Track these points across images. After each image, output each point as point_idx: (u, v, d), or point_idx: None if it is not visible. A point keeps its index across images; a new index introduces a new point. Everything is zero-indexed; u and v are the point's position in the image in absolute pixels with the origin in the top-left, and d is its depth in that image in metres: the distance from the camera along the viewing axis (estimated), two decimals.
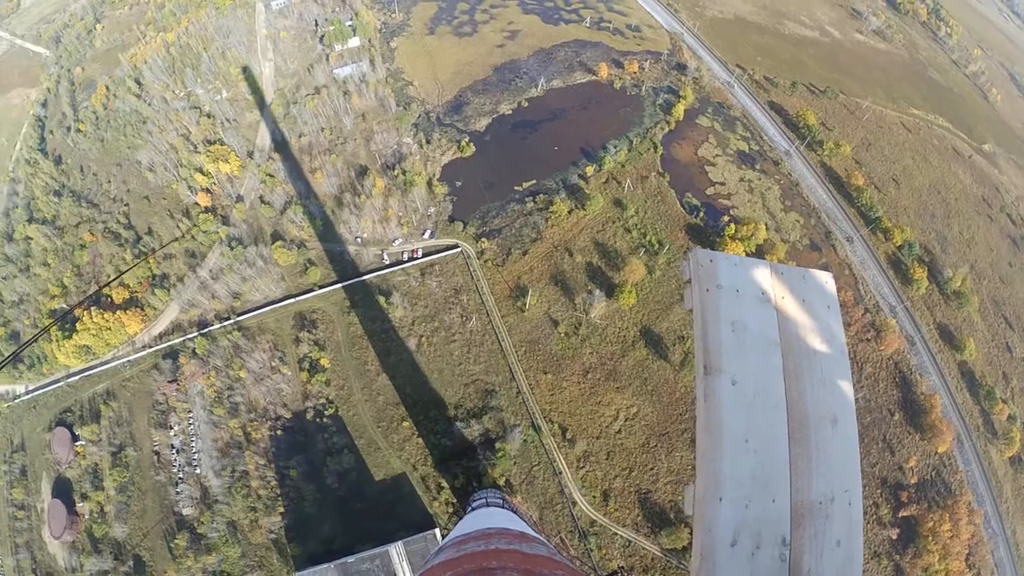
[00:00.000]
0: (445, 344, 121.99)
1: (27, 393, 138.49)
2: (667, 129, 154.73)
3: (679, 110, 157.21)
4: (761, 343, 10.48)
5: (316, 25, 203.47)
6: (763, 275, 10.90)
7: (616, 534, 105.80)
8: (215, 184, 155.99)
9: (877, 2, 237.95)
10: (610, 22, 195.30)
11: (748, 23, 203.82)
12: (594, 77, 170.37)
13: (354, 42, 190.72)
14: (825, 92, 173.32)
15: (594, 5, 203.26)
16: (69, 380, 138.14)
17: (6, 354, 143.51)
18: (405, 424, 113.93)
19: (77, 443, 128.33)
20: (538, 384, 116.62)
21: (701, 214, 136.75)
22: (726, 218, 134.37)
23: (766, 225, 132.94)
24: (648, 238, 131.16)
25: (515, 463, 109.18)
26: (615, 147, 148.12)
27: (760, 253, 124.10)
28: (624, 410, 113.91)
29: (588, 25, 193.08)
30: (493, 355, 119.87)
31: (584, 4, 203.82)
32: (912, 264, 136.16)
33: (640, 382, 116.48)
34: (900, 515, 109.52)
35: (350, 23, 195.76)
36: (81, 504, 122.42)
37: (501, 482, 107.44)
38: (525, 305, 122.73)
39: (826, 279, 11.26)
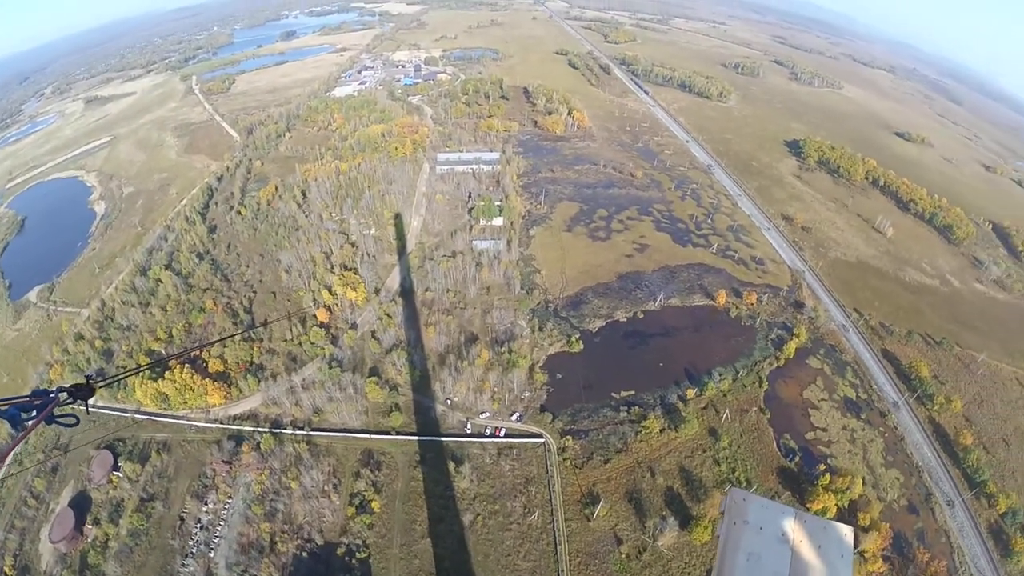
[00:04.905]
0: (500, 530, 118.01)
1: (96, 407, 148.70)
2: (776, 365, 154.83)
3: (791, 348, 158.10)
4: (770, 575, 12.16)
5: (469, 197, 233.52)
6: (787, 519, 12.73)
7: None
8: (337, 305, 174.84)
9: (998, 251, 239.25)
10: (736, 252, 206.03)
11: (870, 267, 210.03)
12: (711, 302, 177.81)
13: (498, 221, 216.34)
14: (940, 343, 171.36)
15: (723, 233, 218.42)
16: (136, 415, 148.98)
17: (94, 365, 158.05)
18: None
19: (115, 472, 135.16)
20: None
21: (797, 459, 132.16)
22: (822, 467, 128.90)
23: (864, 479, 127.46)
24: (737, 474, 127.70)
25: None
26: (720, 375, 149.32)
27: (853, 509, 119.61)
28: None
29: (714, 251, 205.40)
30: (545, 557, 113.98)
31: (714, 231, 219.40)
32: (1014, 534, 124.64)
33: None
34: None
35: (499, 203, 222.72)
36: (90, 527, 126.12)
37: None
38: (593, 514, 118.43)
39: (846, 532, 12.58)
